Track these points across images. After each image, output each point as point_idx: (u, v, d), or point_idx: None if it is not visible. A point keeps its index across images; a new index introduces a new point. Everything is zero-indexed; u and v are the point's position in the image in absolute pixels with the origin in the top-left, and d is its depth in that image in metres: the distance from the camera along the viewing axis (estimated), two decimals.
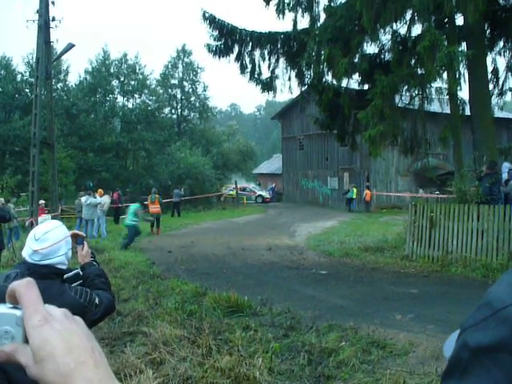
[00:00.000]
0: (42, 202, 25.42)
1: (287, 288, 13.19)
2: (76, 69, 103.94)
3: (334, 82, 18.96)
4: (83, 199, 25.50)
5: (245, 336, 8.34)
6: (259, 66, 20.25)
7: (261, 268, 16.48)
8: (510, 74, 20.25)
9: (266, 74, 20.44)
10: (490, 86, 19.79)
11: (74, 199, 38.85)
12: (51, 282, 3.47)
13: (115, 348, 8.18)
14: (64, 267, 3.61)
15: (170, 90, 61.13)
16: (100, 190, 29.06)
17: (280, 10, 19.18)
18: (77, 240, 3.97)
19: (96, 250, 18.95)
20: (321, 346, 7.91)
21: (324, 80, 19.29)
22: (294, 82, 20.37)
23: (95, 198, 25.18)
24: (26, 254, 3.55)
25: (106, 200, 25.46)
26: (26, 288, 0.91)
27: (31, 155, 19.17)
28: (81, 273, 3.90)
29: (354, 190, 44.28)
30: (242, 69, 20.27)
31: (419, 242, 16.62)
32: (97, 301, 3.60)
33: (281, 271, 15.85)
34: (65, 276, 3.66)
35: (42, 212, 24.09)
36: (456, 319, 9.52)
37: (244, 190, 57.46)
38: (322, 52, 16.98)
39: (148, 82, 55.20)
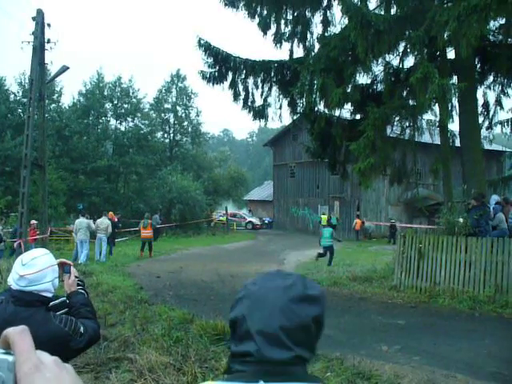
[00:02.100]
0: (33, 222, 25.33)
1: None
2: (70, 90, 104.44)
3: (326, 111, 19.10)
4: (80, 221, 25.48)
5: None
6: (252, 94, 20.39)
7: None
8: (499, 107, 20.49)
9: (258, 102, 20.59)
10: (480, 119, 19.99)
11: (64, 221, 38.95)
12: (36, 309, 3.48)
13: (100, 374, 8.13)
14: (49, 295, 3.62)
15: (163, 115, 61.25)
16: (111, 213, 29.11)
17: (277, 40, 19.45)
18: (64, 268, 3.96)
19: (84, 273, 18.95)
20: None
21: (316, 109, 19.42)
22: (286, 110, 20.64)
23: (88, 219, 25.13)
24: (11, 279, 3.56)
25: (106, 222, 25.27)
26: (20, 335, 0.93)
27: (21, 176, 19.14)
28: (67, 301, 3.89)
29: (322, 217, 44.68)
30: (235, 96, 20.38)
31: (407, 273, 16.63)
32: (81, 329, 3.60)
33: None
34: (50, 304, 3.65)
35: (34, 233, 24.00)
36: (442, 351, 9.56)
37: (234, 216, 57.50)
38: (315, 81, 17.09)
39: (141, 105, 55.20)
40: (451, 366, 8.48)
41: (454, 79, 18.78)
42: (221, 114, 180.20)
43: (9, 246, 24.89)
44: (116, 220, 32.39)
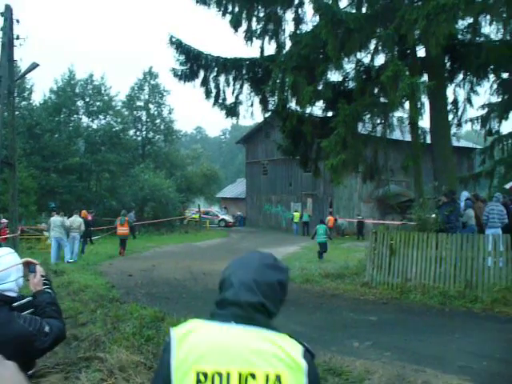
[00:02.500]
0: (4, 220, 25.08)
1: None
2: (41, 88, 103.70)
3: (298, 108, 19.13)
4: (54, 219, 25.31)
5: None
6: (224, 92, 20.37)
7: None
8: (468, 105, 20.70)
9: (230, 100, 20.56)
10: (450, 117, 20.19)
11: (35, 219, 38.58)
12: None
13: (70, 374, 8.03)
14: (13, 294, 3.58)
15: (135, 112, 60.98)
16: (84, 211, 28.92)
17: (248, 37, 19.41)
18: (29, 268, 3.91)
19: (55, 272, 18.83)
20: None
21: (288, 107, 19.45)
22: (258, 107, 20.58)
23: (63, 217, 24.91)
24: None
25: (78, 220, 25.03)
26: None
27: None
28: (33, 301, 3.83)
29: (295, 214, 45.24)
30: (207, 94, 20.34)
31: (379, 269, 16.74)
32: (46, 329, 3.55)
33: None
34: (16, 304, 3.61)
35: (5, 232, 23.77)
36: (413, 346, 9.65)
37: (207, 213, 57.44)
38: (287, 79, 17.11)
39: (113, 103, 54.87)
40: (421, 361, 8.56)
41: (425, 77, 18.92)
42: (194, 111, 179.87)
43: None
44: (90, 218, 32.29)
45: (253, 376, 2.09)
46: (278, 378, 2.09)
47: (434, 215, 16.69)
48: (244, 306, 2.21)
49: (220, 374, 2.09)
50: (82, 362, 8.57)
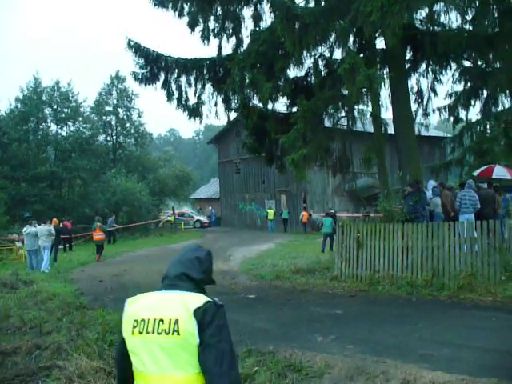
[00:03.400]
0: None
1: None
2: (6, 97, 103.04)
3: (260, 105, 19.11)
4: (23, 229, 25.25)
5: None
6: (186, 93, 20.28)
7: None
8: (433, 94, 20.78)
9: (192, 101, 20.47)
10: (415, 107, 20.31)
11: (6, 230, 38.26)
12: None
13: None
14: None
15: (104, 117, 60.67)
16: (55, 220, 28.77)
17: (205, 36, 19.42)
18: None
19: (25, 282, 18.70)
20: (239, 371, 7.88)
21: (250, 104, 19.44)
22: (221, 107, 20.51)
23: (35, 227, 24.81)
24: None
25: (46, 229, 24.83)
26: None
27: None
28: None
29: (269, 211, 45.45)
30: (169, 96, 20.26)
31: (347, 262, 16.79)
32: None
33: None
34: None
35: None
36: (376, 338, 9.67)
37: (182, 215, 57.26)
38: (246, 77, 17.10)
39: (82, 109, 54.58)
40: (383, 352, 8.57)
41: (387, 69, 19.01)
42: (167, 113, 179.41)
43: None
44: (70, 227, 32.36)
45: (162, 321, 3.10)
46: (176, 321, 3.06)
47: (400, 206, 16.77)
48: (170, 277, 3.36)
49: (144, 320, 3.16)
50: (42, 372, 8.57)
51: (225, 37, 19.42)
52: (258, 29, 19.33)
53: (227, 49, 19.92)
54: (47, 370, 8.60)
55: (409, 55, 19.91)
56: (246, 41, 19.24)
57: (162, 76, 20.03)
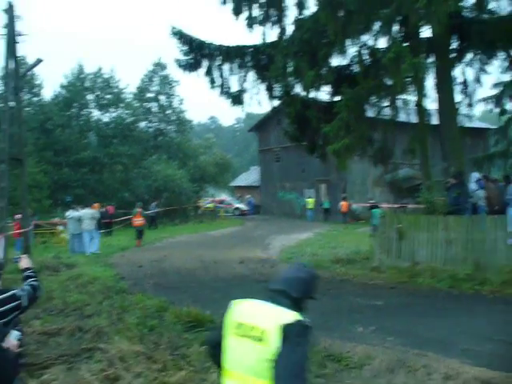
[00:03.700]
0: (18, 216, 25.12)
1: None
2: (51, 83, 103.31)
3: (303, 94, 19.00)
4: (66, 214, 25.58)
5: (202, 351, 8.30)
6: (228, 80, 20.29)
7: (230, 281, 16.40)
8: (478, 85, 20.41)
9: (235, 88, 20.47)
10: (460, 97, 19.96)
11: (49, 214, 38.75)
12: None
13: (73, 365, 8.09)
14: None
15: (145, 104, 60.91)
16: (96, 204, 29.07)
17: (250, 24, 19.25)
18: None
19: (67, 265, 18.91)
20: None
21: (293, 93, 19.35)
22: (264, 95, 20.44)
23: (78, 211, 25.15)
24: None
25: (88, 212, 25.11)
26: None
27: None
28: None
29: (308, 200, 45.26)
30: (212, 83, 20.28)
31: (388, 253, 16.67)
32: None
33: (249, 285, 15.76)
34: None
35: (19, 227, 23.83)
36: (417, 330, 9.58)
37: (222, 202, 57.45)
38: (289, 64, 17.02)
39: (123, 95, 54.86)
40: (424, 345, 8.49)
41: (433, 58, 18.71)
42: (207, 101, 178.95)
43: None
44: (111, 211, 32.71)
45: (253, 328, 3.41)
46: (265, 331, 3.33)
47: (442, 197, 16.55)
48: (272, 291, 3.65)
49: (241, 324, 3.51)
50: (84, 353, 8.64)
51: (268, 24, 19.28)
52: (301, 17, 19.16)
53: (271, 36, 19.81)
54: (89, 351, 8.69)
55: (455, 44, 19.52)
56: (290, 29, 19.11)
57: (205, 63, 20.06)
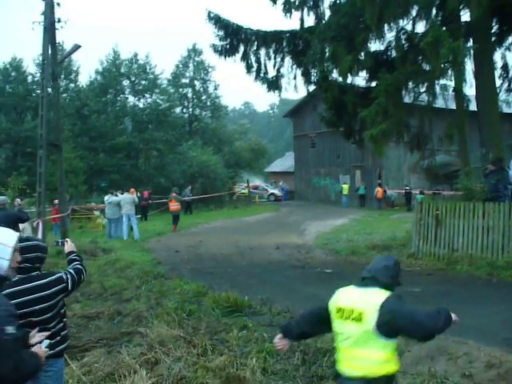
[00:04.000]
0: (56, 201, 25.44)
1: (290, 287, 13.18)
2: (87, 69, 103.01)
3: (340, 79, 18.89)
4: (105, 198, 25.81)
5: (241, 336, 8.34)
6: (265, 65, 20.30)
7: (266, 267, 16.46)
8: None
9: (271, 73, 20.47)
10: (499, 82, 19.66)
11: (85, 199, 39.17)
12: None
13: (112, 348, 8.20)
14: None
15: (181, 90, 61.11)
16: (132, 190, 29.26)
17: (287, 9, 19.15)
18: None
19: (103, 250, 19.12)
20: (316, 346, 7.90)
21: (330, 78, 19.23)
22: (300, 80, 20.37)
23: (117, 196, 25.40)
24: None
25: (128, 197, 25.25)
26: None
27: (38, 156, 19.27)
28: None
29: (344, 186, 45.03)
30: (248, 68, 20.29)
31: (425, 240, 16.52)
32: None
33: (286, 270, 15.81)
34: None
35: (57, 212, 24.12)
36: None
37: (256, 188, 57.41)
38: (327, 50, 16.92)
39: (159, 81, 55.08)
40: (464, 333, 8.37)
41: (471, 42, 18.42)
42: (242, 87, 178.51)
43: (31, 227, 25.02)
44: (147, 196, 32.92)
45: (353, 311, 4.26)
46: (361, 314, 4.20)
47: (481, 184, 16.35)
48: (365, 278, 4.46)
49: (341, 309, 4.36)
50: (124, 337, 8.77)
51: (305, 9, 19.16)
52: (338, 1, 19.01)
53: (308, 22, 19.69)
54: (129, 335, 8.81)
55: (494, 28, 19.21)
56: (327, 13, 18.98)
57: (242, 48, 20.07)
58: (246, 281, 13.89)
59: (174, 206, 28.09)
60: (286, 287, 13.14)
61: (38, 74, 46.17)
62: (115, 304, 11.17)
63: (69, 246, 5.54)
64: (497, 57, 19.92)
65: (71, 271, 5.04)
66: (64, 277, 4.90)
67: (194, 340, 8.02)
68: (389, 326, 4.16)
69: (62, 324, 4.93)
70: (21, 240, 4.84)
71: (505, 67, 20.20)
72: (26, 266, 4.72)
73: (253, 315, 10.04)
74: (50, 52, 19.86)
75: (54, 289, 4.77)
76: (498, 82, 19.60)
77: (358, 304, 4.27)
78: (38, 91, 45.95)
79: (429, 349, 7.70)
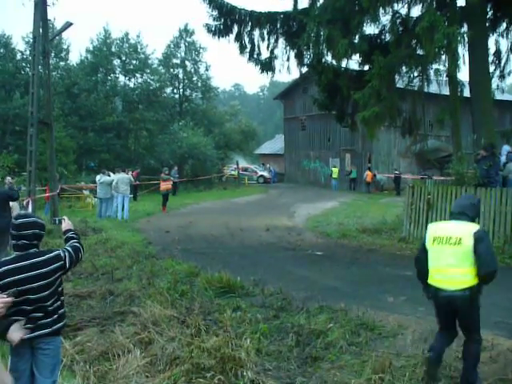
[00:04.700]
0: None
1: (281, 269, 13.19)
2: (77, 48, 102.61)
3: (334, 62, 18.82)
4: (97, 178, 25.67)
5: (234, 317, 8.36)
6: (258, 46, 20.12)
7: (257, 249, 16.48)
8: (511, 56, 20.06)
9: (265, 55, 20.32)
10: (492, 68, 19.61)
11: (75, 179, 38.96)
12: None
13: (105, 327, 8.21)
14: None
15: (172, 70, 60.79)
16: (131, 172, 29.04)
17: None
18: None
19: (94, 229, 19.06)
20: (310, 327, 7.93)
21: (323, 61, 19.16)
22: (293, 62, 20.25)
23: (109, 176, 25.27)
24: None
25: (125, 177, 25.11)
26: None
27: (28, 134, 19.10)
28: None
29: (333, 169, 45.11)
30: (242, 49, 20.14)
31: (416, 224, 16.60)
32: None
33: (277, 252, 15.85)
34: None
35: (49, 190, 24.01)
36: None
37: (246, 170, 57.40)
38: (322, 32, 16.83)
39: (150, 61, 54.74)
40: None
41: (465, 28, 18.36)
42: (232, 69, 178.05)
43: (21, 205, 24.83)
44: (135, 176, 32.74)
45: (450, 238, 5.83)
46: (461, 238, 5.76)
47: (472, 170, 16.38)
48: (455, 213, 6.07)
49: (439, 237, 5.93)
50: (117, 316, 8.77)
51: None
52: None
53: (303, 3, 19.57)
54: (121, 315, 8.81)
55: (489, 14, 19.15)
56: None
57: (235, 29, 19.88)
58: (237, 262, 13.89)
59: (165, 184, 27.93)
60: (277, 269, 13.16)
61: (28, 52, 45.84)
62: (107, 283, 11.14)
63: (66, 223, 5.49)
64: (490, 43, 19.90)
65: (69, 249, 5.01)
66: (62, 254, 4.87)
67: (187, 320, 8.01)
68: (474, 248, 5.76)
69: (59, 302, 4.90)
70: (18, 217, 4.83)
71: (497, 53, 20.15)
72: (23, 243, 4.70)
73: (245, 296, 10.08)
74: (41, 29, 19.64)
75: (51, 266, 4.74)
76: (491, 68, 19.57)
77: (454, 233, 5.89)
78: (28, 69, 45.89)
79: (422, 332, 7.78)
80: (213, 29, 19.96)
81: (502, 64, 20.25)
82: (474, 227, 5.87)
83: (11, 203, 13.25)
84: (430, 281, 6.17)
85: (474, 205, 6.26)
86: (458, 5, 18.05)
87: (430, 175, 36.13)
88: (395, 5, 17.89)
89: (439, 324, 6.53)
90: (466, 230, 5.81)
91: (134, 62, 52.86)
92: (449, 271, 5.90)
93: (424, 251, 6.21)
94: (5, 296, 4.40)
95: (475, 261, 5.75)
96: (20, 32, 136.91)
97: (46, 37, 20.16)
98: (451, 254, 5.83)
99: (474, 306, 6.08)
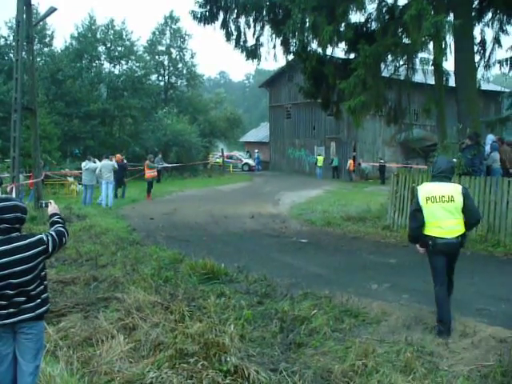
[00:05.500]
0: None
1: (266, 256, 13.22)
2: (62, 34, 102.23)
3: (319, 50, 18.79)
4: (83, 164, 25.49)
5: (218, 303, 8.36)
6: (244, 34, 20.05)
7: (241, 236, 16.51)
8: (496, 45, 20.08)
9: (251, 42, 20.25)
10: (477, 58, 19.64)
11: (59, 165, 38.71)
12: None
13: (89, 313, 8.17)
14: None
15: (157, 57, 60.57)
16: (118, 156, 28.80)
17: None
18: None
19: (78, 216, 18.98)
20: (294, 313, 7.95)
21: (309, 48, 19.12)
22: (279, 49, 20.36)
23: (94, 162, 25.14)
24: None
25: (108, 163, 24.91)
26: None
27: (12, 120, 18.94)
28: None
29: (318, 158, 45.24)
30: (228, 36, 20.08)
31: (400, 213, 16.66)
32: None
33: (261, 239, 15.88)
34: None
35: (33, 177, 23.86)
36: (431, 289, 9.52)
37: (231, 157, 57.36)
38: (307, 19, 16.77)
39: (135, 48, 54.40)
40: None
41: (451, 16, 18.35)
42: (218, 56, 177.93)
43: (4, 192, 24.66)
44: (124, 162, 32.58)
45: (443, 196, 7.28)
46: (452, 196, 7.27)
47: (457, 159, 16.43)
48: (439, 176, 7.49)
49: (433, 196, 7.33)
50: (100, 302, 8.74)
51: None
52: None
53: None
54: (105, 300, 8.78)
55: (475, 3, 19.17)
56: None
57: (221, 16, 19.82)
58: (221, 249, 13.91)
59: (150, 172, 27.88)
60: (261, 256, 13.19)
61: (11, 37, 45.37)
62: (91, 270, 11.10)
63: (52, 207, 5.47)
64: (476, 32, 19.91)
65: (52, 233, 4.95)
66: (45, 238, 4.82)
67: (171, 306, 8.01)
68: (463, 204, 7.21)
69: (42, 287, 4.86)
70: None
71: (482, 43, 20.17)
72: (5, 227, 4.64)
73: (229, 283, 10.08)
74: (24, 14, 19.45)
75: (33, 250, 4.70)
76: (476, 58, 19.59)
77: (446, 192, 7.26)
78: (11, 54, 45.44)
79: (405, 318, 7.84)
80: (198, 16, 19.86)
81: (487, 54, 20.29)
82: (459, 186, 7.47)
83: None
84: (427, 232, 7.45)
85: (453, 167, 8.02)
86: None
87: (410, 164, 36.41)
88: None
89: (439, 276, 7.80)
90: (454, 189, 7.32)
91: (119, 48, 52.48)
92: (446, 223, 7.29)
93: (419, 210, 7.40)
94: None
95: (464, 213, 7.27)
96: (3, 17, 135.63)
97: (29, 22, 19.97)
98: (446, 210, 7.26)
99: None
